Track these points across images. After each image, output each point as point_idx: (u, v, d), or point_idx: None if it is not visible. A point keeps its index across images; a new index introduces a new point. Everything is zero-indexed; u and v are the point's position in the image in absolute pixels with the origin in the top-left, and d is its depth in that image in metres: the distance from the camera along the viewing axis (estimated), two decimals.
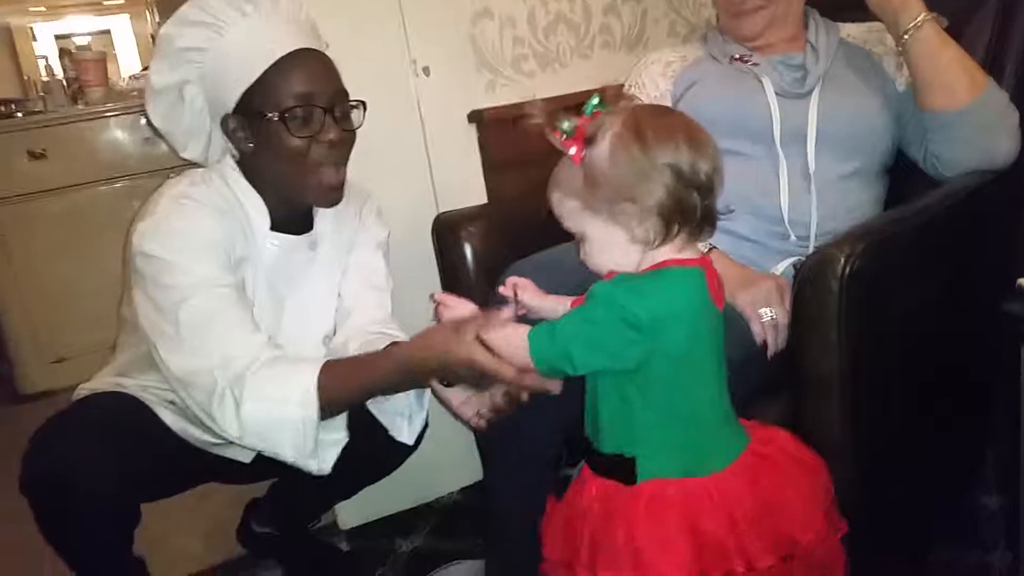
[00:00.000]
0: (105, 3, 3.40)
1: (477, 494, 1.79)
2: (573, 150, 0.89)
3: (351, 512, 1.75)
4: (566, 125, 0.89)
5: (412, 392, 1.24)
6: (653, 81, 1.47)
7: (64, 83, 3.09)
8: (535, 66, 1.76)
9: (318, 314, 1.31)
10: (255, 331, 1.13)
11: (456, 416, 1.17)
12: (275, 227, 1.23)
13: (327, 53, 1.21)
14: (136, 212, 1.18)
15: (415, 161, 1.66)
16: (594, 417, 0.97)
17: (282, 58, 1.13)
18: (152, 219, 1.13)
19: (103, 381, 1.27)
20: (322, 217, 1.30)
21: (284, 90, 1.12)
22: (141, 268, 1.12)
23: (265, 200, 1.22)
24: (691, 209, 0.88)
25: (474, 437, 1.60)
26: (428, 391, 1.22)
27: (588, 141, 0.89)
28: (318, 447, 1.11)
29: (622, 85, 0.96)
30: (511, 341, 0.95)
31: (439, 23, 1.63)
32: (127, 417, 1.19)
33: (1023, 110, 1.26)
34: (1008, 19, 1.34)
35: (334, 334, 1.33)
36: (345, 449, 1.17)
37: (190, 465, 1.27)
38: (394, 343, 1.20)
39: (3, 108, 2.90)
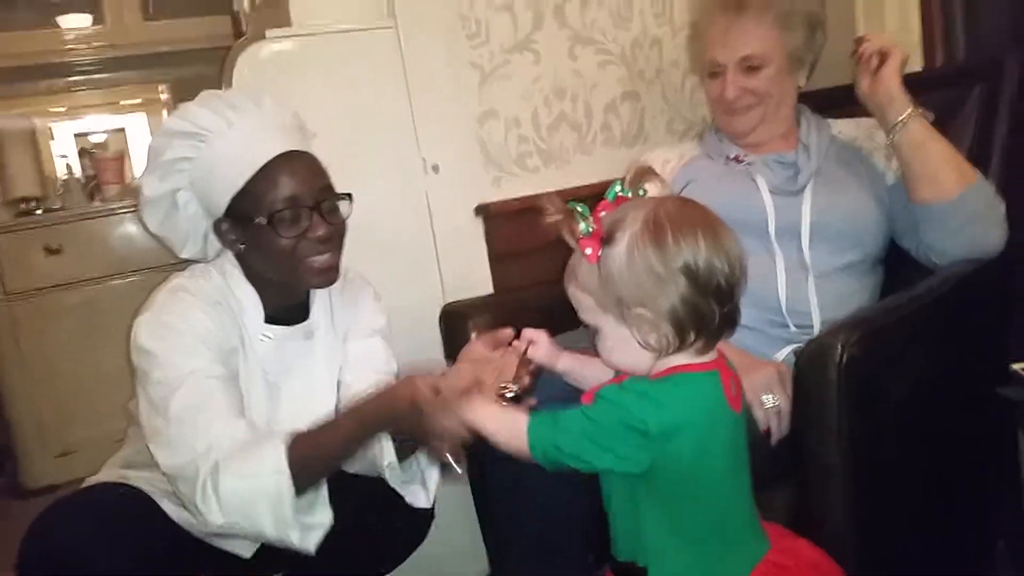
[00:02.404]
0: (122, 103, 3.54)
1: None
2: (589, 250, 0.87)
3: None
4: (583, 225, 0.87)
5: (421, 455, 1.24)
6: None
7: (82, 181, 3.19)
8: (539, 162, 1.83)
9: (316, 403, 1.30)
10: (238, 418, 1.14)
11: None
12: (271, 319, 1.25)
13: (313, 149, 1.24)
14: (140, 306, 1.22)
15: (424, 253, 1.70)
16: (611, 522, 0.96)
17: (267, 163, 1.16)
18: (147, 313, 1.17)
19: (107, 473, 1.28)
20: (318, 306, 1.32)
21: (270, 195, 1.16)
22: (137, 362, 1.16)
23: (261, 293, 1.25)
24: (708, 317, 0.86)
25: (480, 528, 1.60)
26: None
27: (605, 240, 0.87)
28: (298, 522, 1.10)
29: (648, 167, 0.95)
30: (510, 422, 0.93)
31: (448, 123, 1.70)
32: (128, 505, 1.19)
33: (1009, 201, 1.30)
34: (990, 114, 1.40)
35: None
36: (362, 531, 1.18)
37: (191, 558, 1.25)
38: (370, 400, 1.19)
39: (24, 205, 2.97)
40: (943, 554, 1.25)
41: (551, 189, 1.80)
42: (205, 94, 1.22)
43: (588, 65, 1.86)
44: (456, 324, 1.56)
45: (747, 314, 1.33)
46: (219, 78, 1.65)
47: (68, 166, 3.27)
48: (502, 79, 1.77)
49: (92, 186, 3.14)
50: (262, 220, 1.16)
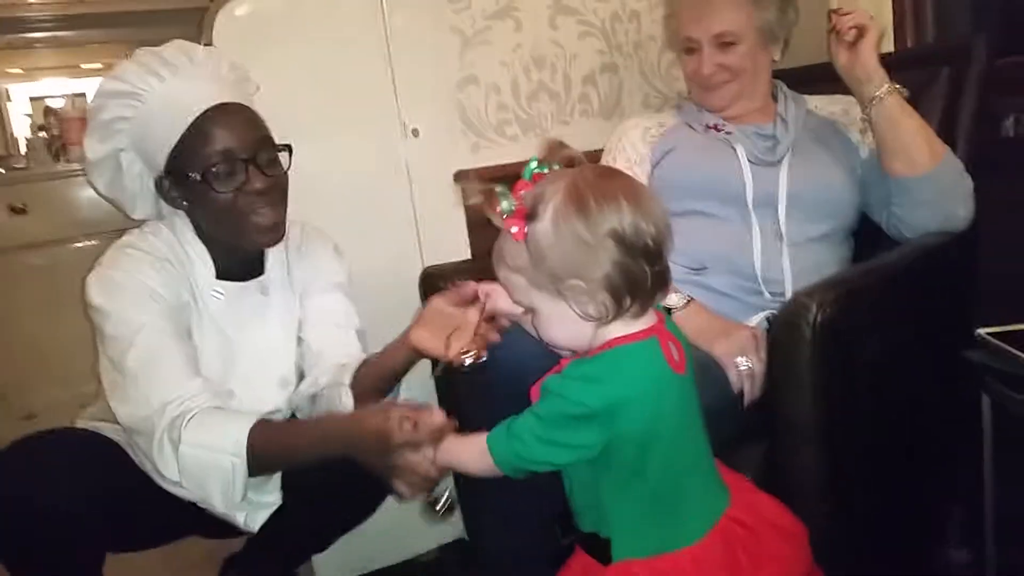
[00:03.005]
0: (82, 66, 3.45)
1: (457, 551, 1.79)
2: (515, 228, 0.86)
3: (330, 570, 1.73)
4: (505, 204, 0.86)
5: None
6: (633, 145, 1.54)
7: (47, 141, 3.12)
8: (518, 130, 1.84)
9: (273, 358, 1.32)
10: (192, 376, 1.16)
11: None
12: (224, 275, 1.26)
13: (255, 99, 1.24)
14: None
15: (403, 217, 1.71)
16: (570, 496, 0.97)
17: (200, 117, 1.16)
18: (97, 271, 1.18)
19: (81, 424, 1.29)
20: (273, 261, 1.32)
21: (204, 149, 1.15)
22: (92, 319, 1.17)
23: (211, 249, 1.25)
24: (641, 279, 0.85)
25: (455, 491, 1.61)
26: (398, 393, 1.27)
27: (530, 216, 0.85)
28: (248, 503, 1.14)
29: (559, 141, 0.94)
30: (474, 448, 0.94)
31: (428, 88, 1.71)
32: (99, 453, 1.19)
33: (975, 177, 1.34)
34: (956, 94, 1.44)
35: (297, 377, 1.34)
36: (322, 490, 1.18)
37: (157, 502, 1.23)
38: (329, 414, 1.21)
39: None
40: (906, 515, 1.30)
41: (529, 157, 1.81)
42: (139, 51, 1.21)
43: (568, 35, 1.87)
44: (435, 288, 1.56)
45: (723, 281, 1.38)
46: (188, 40, 1.63)
47: (33, 125, 3.20)
48: (483, 44, 1.78)
49: (57, 147, 3.08)
50: (197, 176, 1.16)
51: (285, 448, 1.14)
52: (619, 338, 0.88)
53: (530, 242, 0.85)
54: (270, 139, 1.22)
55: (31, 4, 3.18)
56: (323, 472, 1.19)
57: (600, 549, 0.91)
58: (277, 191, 1.22)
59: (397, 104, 1.67)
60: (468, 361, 1.07)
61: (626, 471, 0.88)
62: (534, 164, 0.89)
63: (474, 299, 1.13)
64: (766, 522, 0.95)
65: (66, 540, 1.10)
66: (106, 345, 1.16)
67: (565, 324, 0.89)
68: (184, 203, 1.21)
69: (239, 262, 1.27)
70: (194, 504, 1.24)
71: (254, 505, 1.16)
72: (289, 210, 1.27)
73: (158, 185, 1.22)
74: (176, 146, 1.16)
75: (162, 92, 1.17)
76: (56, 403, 2.53)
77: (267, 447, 1.11)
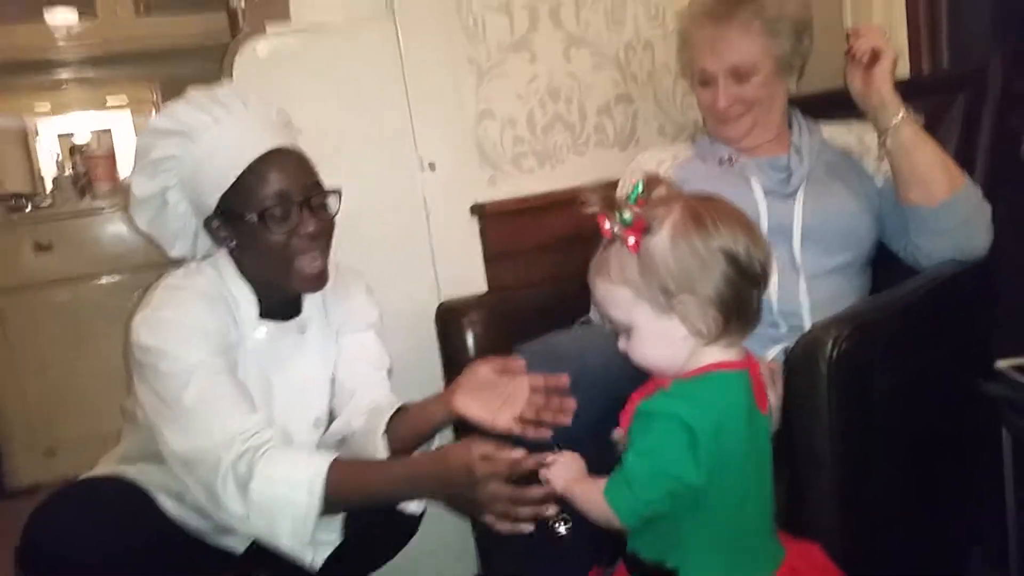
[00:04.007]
0: (109, 102, 3.52)
1: None
2: (632, 239, 0.87)
3: None
4: (627, 214, 0.87)
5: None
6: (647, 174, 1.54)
7: (73, 178, 3.18)
8: (534, 163, 1.85)
9: (309, 397, 1.32)
10: (253, 411, 1.16)
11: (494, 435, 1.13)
12: (264, 314, 1.26)
13: (299, 143, 1.24)
14: (135, 305, 1.22)
15: (420, 250, 1.72)
16: None
17: (255, 160, 1.16)
18: (145, 311, 1.17)
19: (103, 468, 1.29)
20: (310, 301, 1.32)
21: (260, 191, 1.16)
22: (140, 359, 1.15)
23: (254, 289, 1.25)
24: (747, 301, 0.88)
25: (472, 528, 1.61)
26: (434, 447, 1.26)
27: (646, 229, 0.87)
28: (315, 541, 1.11)
29: (657, 175, 0.95)
30: (589, 498, 0.92)
31: (445, 122, 1.72)
32: (122, 498, 1.19)
33: (993, 204, 1.32)
34: (974, 119, 1.43)
35: (328, 418, 1.34)
36: (350, 527, 1.17)
37: (183, 552, 1.26)
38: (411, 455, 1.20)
39: (13, 202, 2.96)
40: (926, 547, 1.27)
41: (545, 189, 1.83)
42: (191, 92, 1.22)
43: (583, 66, 1.88)
44: (451, 321, 1.58)
45: None
46: (209, 76, 1.65)
47: (59, 163, 3.27)
48: (499, 78, 1.79)
49: (83, 184, 3.14)
50: (252, 217, 1.16)
51: (363, 488, 1.13)
52: (715, 364, 0.89)
53: (644, 254, 0.87)
54: (321, 183, 1.23)
55: (60, 45, 3.27)
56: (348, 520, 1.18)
57: None
58: (326, 235, 1.23)
59: (414, 138, 1.69)
60: (562, 530, 1.03)
61: (709, 502, 0.87)
62: (640, 188, 0.90)
63: (519, 372, 1.15)
64: (818, 569, 0.95)
65: None
66: (159, 384, 1.14)
67: (663, 343, 0.90)
68: (232, 243, 1.22)
69: (279, 302, 1.28)
70: (219, 551, 1.25)
71: (316, 542, 1.13)
72: (333, 262, 1.28)
73: (206, 225, 1.22)
74: (230, 188, 1.17)
75: (216, 133, 1.17)
76: (78, 438, 2.58)
77: (344, 485, 1.10)
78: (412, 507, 1.26)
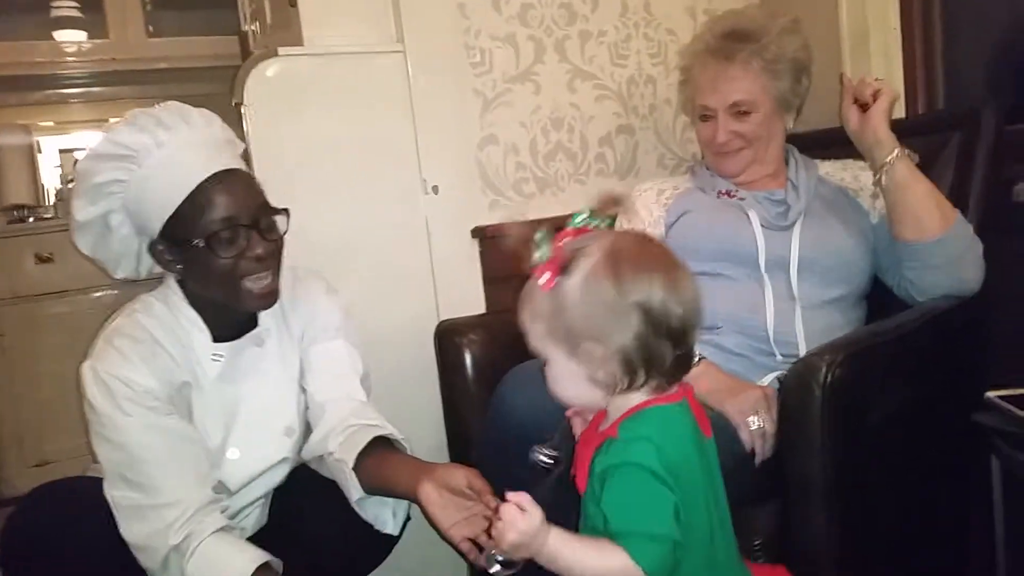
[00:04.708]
0: (112, 120, 3.55)
1: None
2: (545, 277, 0.84)
3: None
4: (540, 252, 0.84)
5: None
6: (647, 208, 1.56)
7: None
8: (535, 188, 1.88)
9: (276, 408, 1.31)
10: (192, 486, 1.15)
11: (445, 539, 1.13)
12: (219, 338, 1.24)
13: (243, 167, 1.22)
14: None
15: (421, 271, 1.74)
16: None
17: (201, 183, 1.13)
18: (89, 362, 1.16)
19: (92, 472, 1.27)
20: (266, 313, 1.29)
21: (206, 216, 1.13)
22: (89, 417, 1.16)
23: (205, 315, 1.23)
24: (659, 358, 0.83)
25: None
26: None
27: (563, 269, 0.84)
28: None
29: (616, 196, 0.92)
30: (609, 568, 0.81)
31: (449, 147, 1.75)
32: (103, 497, 1.18)
33: (985, 242, 1.34)
34: (968, 159, 1.45)
35: (301, 426, 1.33)
36: (329, 540, 1.19)
37: None
38: None
39: (16, 213, 2.99)
40: (918, 573, 1.28)
41: (545, 215, 1.85)
42: (132, 113, 1.18)
43: (585, 98, 1.93)
44: (450, 340, 1.60)
45: (735, 341, 1.38)
46: (218, 96, 1.69)
47: (62, 178, 3.29)
48: (503, 107, 1.83)
49: None
50: (200, 242, 1.13)
51: None
52: (647, 401, 0.86)
53: (556, 294, 0.84)
54: (268, 204, 1.21)
55: (67, 61, 3.30)
56: (329, 521, 1.21)
57: None
58: (275, 256, 1.21)
59: (419, 162, 1.72)
60: (540, 457, 1.01)
61: (685, 541, 0.83)
62: (583, 216, 0.87)
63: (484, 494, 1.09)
64: None
65: None
66: (102, 450, 1.15)
67: (574, 383, 0.88)
68: (178, 267, 1.19)
69: (232, 322, 1.26)
70: None
71: None
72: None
73: (151, 249, 1.20)
74: (174, 212, 1.14)
75: (160, 157, 1.14)
76: (70, 450, 2.57)
77: None
78: (388, 528, 1.25)
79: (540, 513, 0.82)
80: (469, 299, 1.77)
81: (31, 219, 2.98)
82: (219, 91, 1.90)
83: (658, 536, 0.80)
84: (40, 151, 3.41)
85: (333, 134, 1.64)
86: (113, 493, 1.14)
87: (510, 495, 0.83)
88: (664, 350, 0.84)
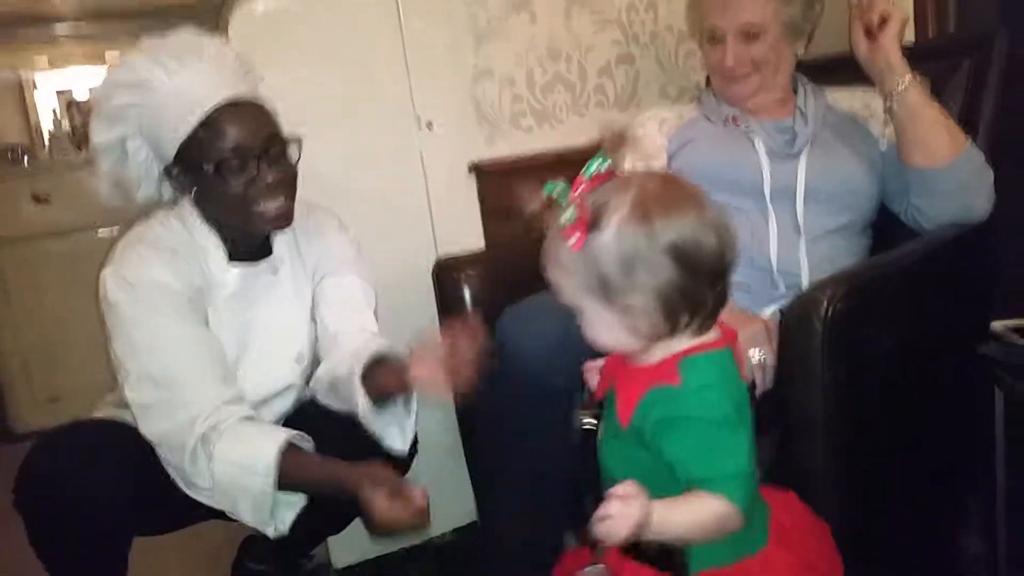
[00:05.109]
0: (107, 56, 3.48)
1: (470, 534, 1.80)
2: (574, 239, 0.82)
3: (345, 551, 1.75)
4: (567, 215, 0.81)
5: (400, 400, 1.28)
6: (650, 137, 1.53)
7: (70, 132, 3.16)
8: (532, 122, 1.84)
9: (287, 335, 1.34)
10: (215, 380, 1.19)
11: None
12: (234, 257, 1.27)
13: (257, 97, 1.23)
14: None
15: (417, 208, 1.72)
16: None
17: (212, 111, 1.16)
18: (110, 267, 1.19)
19: (103, 412, 1.31)
20: (281, 241, 1.33)
21: (217, 144, 1.16)
22: (107, 319, 1.19)
23: (221, 234, 1.26)
24: (699, 300, 0.83)
25: (469, 475, 1.63)
26: (415, 397, 1.29)
27: (591, 225, 0.82)
28: (275, 513, 1.18)
29: (622, 132, 0.88)
30: (671, 519, 0.82)
31: (443, 81, 1.71)
32: (125, 441, 1.21)
33: (995, 169, 1.32)
34: (979, 85, 1.42)
35: (311, 355, 1.37)
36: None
37: (177, 493, 1.25)
38: (353, 465, 1.19)
39: (11, 154, 2.96)
40: (918, 507, 1.29)
41: (544, 148, 1.82)
42: (146, 42, 1.21)
43: (584, 26, 1.87)
44: (448, 277, 1.58)
45: (738, 271, 1.36)
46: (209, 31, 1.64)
47: (56, 118, 3.25)
48: (498, 38, 1.78)
49: (80, 136, 3.12)
50: (210, 168, 1.17)
51: (306, 478, 1.18)
52: (692, 348, 0.86)
53: (588, 252, 0.82)
54: (279, 134, 1.23)
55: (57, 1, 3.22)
56: (339, 453, 1.21)
57: (672, 560, 0.87)
58: (287, 183, 1.23)
59: (412, 97, 1.68)
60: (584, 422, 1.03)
61: None
62: (595, 165, 0.84)
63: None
64: (804, 519, 0.96)
65: (95, 527, 1.14)
66: (121, 350, 1.18)
67: (613, 332, 0.87)
68: (193, 190, 1.22)
69: (248, 244, 1.29)
70: None
71: (281, 504, 1.19)
72: (304, 201, 1.27)
73: (167, 172, 1.23)
74: (187, 138, 1.17)
75: (172, 84, 1.17)
76: (79, 387, 2.57)
77: (293, 472, 1.15)
78: (397, 445, 1.29)
79: (645, 495, 0.81)
80: (467, 235, 1.75)
81: (26, 159, 2.95)
82: (210, 27, 1.84)
83: (743, 473, 0.83)
84: (35, 88, 3.36)
85: (322, 70, 1.60)
86: (132, 394, 1.17)
87: (614, 489, 0.81)
88: (703, 291, 0.83)
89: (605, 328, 0.87)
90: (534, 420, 1.21)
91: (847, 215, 1.40)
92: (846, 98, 1.51)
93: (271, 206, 1.21)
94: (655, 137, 1.54)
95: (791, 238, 1.37)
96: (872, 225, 1.46)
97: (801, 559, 0.92)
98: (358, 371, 1.24)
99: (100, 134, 1.22)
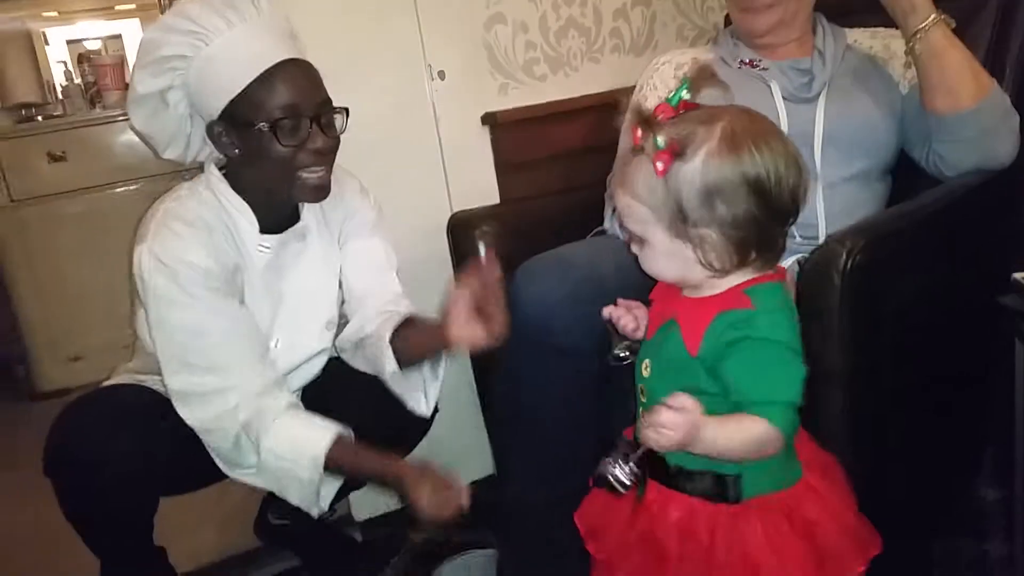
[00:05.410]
0: (116, 8, 3.45)
1: (488, 487, 1.81)
2: (661, 164, 0.82)
3: (365, 504, 1.79)
4: (661, 138, 0.82)
5: (427, 363, 1.30)
6: (665, 82, 1.49)
7: (83, 87, 3.15)
8: (547, 70, 1.80)
9: (317, 302, 1.34)
10: (256, 365, 1.20)
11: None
12: (264, 229, 1.26)
13: (309, 60, 1.21)
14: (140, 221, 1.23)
15: (430, 161, 1.70)
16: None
17: (268, 69, 1.14)
18: (146, 245, 1.16)
19: (124, 377, 1.32)
20: (307, 208, 1.32)
21: (272, 101, 1.14)
22: (144, 299, 1.18)
23: (252, 204, 1.24)
24: (772, 237, 0.85)
25: (486, 430, 1.65)
26: (443, 363, 1.31)
27: (678, 154, 0.82)
28: (319, 500, 1.22)
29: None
30: (720, 435, 0.84)
31: (454, 28, 1.68)
32: (149, 405, 1.22)
33: (1022, 112, 1.28)
34: (1008, 23, 1.37)
35: (339, 320, 1.37)
36: (361, 431, 1.22)
37: (204, 457, 1.27)
38: (398, 460, 1.20)
39: (24, 112, 2.95)
40: (935, 457, 1.29)
41: (559, 97, 1.79)
42: None
43: None
44: (463, 232, 1.58)
45: None
46: None
47: (67, 72, 3.23)
48: None
49: (93, 92, 3.10)
50: (263, 126, 1.14)
51: (354, 467, 1.21)
52: (759, 278, 0.88)
53: (670, 180, 0.83)
54: (330, 101, 1.21)
55: None
56: (362, 411, 1.24)
57: (727, 487, 0.90)
58: (331, 152, 1.22)
59: (423, 46, 1.65)
60: (622, 355, 1.05)
61: None
62: (683, 92, 0.85)
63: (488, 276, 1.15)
64: (823, 453, 0.98)
65: (121, 491, 1.15)
66: (161, 335, 1.17)
67: (675, 262, 0.88)
68: (236, 150, 1.20)
69: (279, 214, 1.28)
70: None
71: (324, 492, 1.23)
72: None
73: (209, 129, 1.20)
74: (239, 94, 1.14)
75: (230, 37, 1.14)
76: (101, 345, 2.63)
77: (341, 464, 1.18)
78: (421, 408, 1.31)
79: (699, 407, 0.82)
80: (482, 188, 1.74)
81: (40, 117, 2.94)
82: None
83: (793, 403, 0.85)
84: (46, 43, 3.33)
85: (331, 19, 1.58)
86: (173, 382, 1.18)
87: (667, 399, 0.83)
88: (775, 228, 0.86)
89: (669, 259, 0.88)
90: (545, 374, 1.22)
91: (865, 161, 1.37)
92: (866, 39, 1.46)
93: (313, 176, 1.20)
94: (669, 82, 1.50)
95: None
96: (891, 171, 1.43)
97: (836, 486, 0.95)
98: (387, 335, 1.24)
99: (143, 83, 1.18)
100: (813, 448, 0.99)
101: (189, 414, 1.18)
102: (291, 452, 1.17)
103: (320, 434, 1.17)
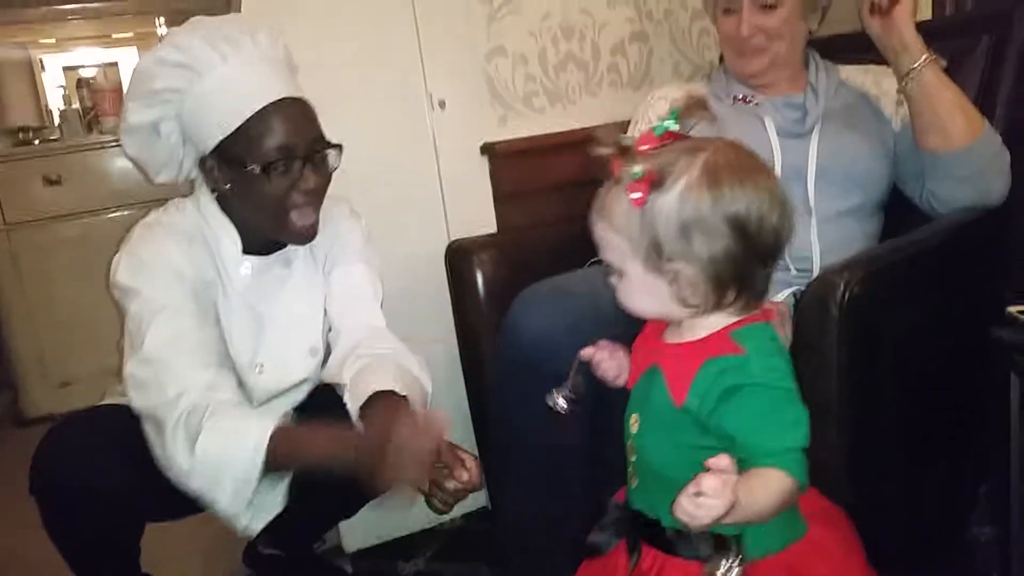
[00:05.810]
0: (114, 36, 3.47)
1: (480, 520, 1.81)
2: (638, 194, 0.79)
3: (356, 535, 1.76)
4: (637, 168, 0.79)
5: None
6: (660, 117, 1.51)
7: (80, 112, 3.16)
8: (545, 102, 1.82)
9: (300, 328, 1.32)
10: (209, 365, 1.15)
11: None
12: (248, 250, 1.25)
13: (303, 96, 1.19)
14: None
15: (429, 190, 1.71)
16: (660, 490, 0.85)
17: (263, 107, 1.13)
18: (123, 249, 1.17)
19: (112, 400, 1.30)
20: None
21: (265, 143, 1.13)
22: (117, 297, 1.17)
23: (238, 227, 1.24)
24: (751, 277, 0.81)
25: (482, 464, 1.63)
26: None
27: (655, 184, 0.79)
28: (251, 506, 1.12)
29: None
30: (753, 497, 0.75)
31: (455, 59, 1.70)
32: (135, 428, 1.19)
33: (1013, 151, 1.30)
34: (998, 62, 1.39)
35: (325, 346, 1.34)
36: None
37: None
38: (353, 432, 1.14)
39: (21, 135, 2.95)
40: (931, 493, 1.28)
41: (557, 129, 1.80)
42: (197, 21, 1.17)
43: (597, 4, 1.85)
44: (461, 261, 1.58)
45: None
46: (217, 10, 1.62)
47: (66, 97, 3.24)
48: (511, 15, 1.76)
49: (90, 118, 3.12)
50: (255, 168, 1.13)
51: (300, 453, 1.12)
52: (739, 321, 0.84)
53: (647, 211, 0.80)
54: (324, 137, 1.20)
55: None
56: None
57: (723, 549, 0.82)
58: (322, 190, 1.21)
59: (424, 76, 1.67)
60: (555, 404, 0.99)
61: None
62: (668, 122, 0.82)
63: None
64: (822, 502, 0.94)
65: (106, 513, 1.14)
66: (128, 324, 1.16)
67: (654, 298, 0.85)
68: (226, 186, 1.18)
69: (262, 238, 1.27)
70: None
71: (259, 506, 1.14)
72: None
73: (201, 164, 1.20)
74: (233, 133, 1.13)
75: (223, 72, 1.13)
76: (91, 371, 2.61)
77: (284, 450, 1.09)
78: None
79: (736, 470, 0.74)
80: (480, 218, 1.74)
81: (36, 141, 2.95)
82: (219, 4, 1.83)
83: (803, 448, 0.81)
84: (44, 68, 3.35)
85: (333, 48, 1.59)
86: (127, 366, 1.15)
87: (710, 462, 0.73)
88: (755, 268, 0.82)
89: (645, 294, 0.85)
90: (536, 406, 1.21)
91: (859, 196, 1.38)
92: (858, 75, 1.48)
93: (301, 220, 1.19)
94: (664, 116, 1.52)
95: (802, 219, 1.36)
96: (884, 207, 1.44)
97: (842, 538, 0.91)
98: (354, 413, 1.17)
99: (135, 114, 1.17)
100: (816, 497, 0.95)
101: (136, 400, 1.14)
102: (232, 437, 1.08)
103: (264, 421, 1.10)
